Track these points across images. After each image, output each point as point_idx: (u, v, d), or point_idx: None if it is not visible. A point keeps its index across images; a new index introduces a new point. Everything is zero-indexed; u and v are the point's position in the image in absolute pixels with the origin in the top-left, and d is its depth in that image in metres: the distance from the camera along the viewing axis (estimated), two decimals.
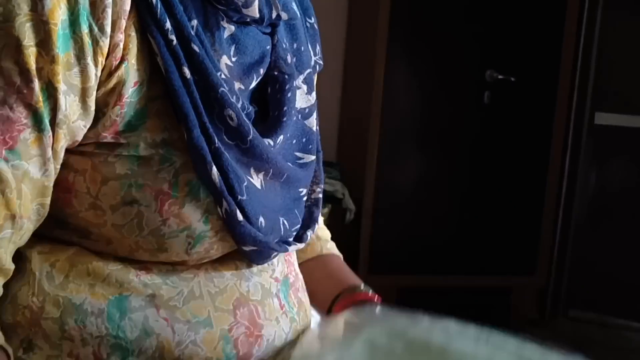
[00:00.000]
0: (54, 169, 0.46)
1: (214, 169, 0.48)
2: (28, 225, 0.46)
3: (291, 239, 0.59)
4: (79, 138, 0.47)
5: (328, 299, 0.68)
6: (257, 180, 0.54)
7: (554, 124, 2.40)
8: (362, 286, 0.69)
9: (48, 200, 0.47)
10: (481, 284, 2.44)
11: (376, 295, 0.67)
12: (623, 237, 2.59)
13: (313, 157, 0.61)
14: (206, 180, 0.49)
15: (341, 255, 0.77)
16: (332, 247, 0.77)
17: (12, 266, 0.47)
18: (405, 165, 2.36)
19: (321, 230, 0.79)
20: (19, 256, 0.50)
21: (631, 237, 2.58)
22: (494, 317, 2.50)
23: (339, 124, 2.56)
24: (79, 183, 0.48)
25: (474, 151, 2.38)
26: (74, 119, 0.46)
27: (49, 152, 0.45)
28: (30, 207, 0.46)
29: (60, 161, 0.47)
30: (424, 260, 2.39)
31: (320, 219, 0.81)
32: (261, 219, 0.53)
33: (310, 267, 0.71)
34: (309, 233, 0.62)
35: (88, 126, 0.47)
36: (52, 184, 0.47)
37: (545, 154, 2.42)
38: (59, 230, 0.51)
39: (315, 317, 0.69)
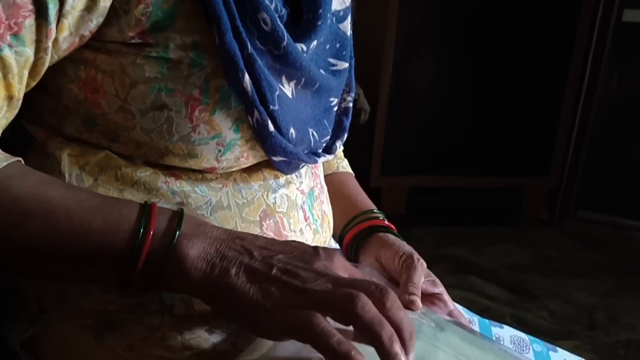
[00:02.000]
0: (49, 58, 0.45)
1: (246, 76, 0.47)
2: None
3: (320, 150, 0.58)
4: (86, 33, 0.45)
5: (340, 224, 0.69)
6: (288, 89, 0.52)
7: (579, 21, 2.30)
8: (375, 210, 0.69)
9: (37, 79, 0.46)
10: (493, 184, 2.46)
11: (385, 221, 0.67)
12: (638, 142, 2.57)
13: (346, 64, 0.58)
14: (238, 88, 0.48)
15: (353, 173, 0.78)
16: (346, 166, 0.78)
17: None
18: (421, 65, 2.30)
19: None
20: (52, 158, 0.50)
21: None
22: (504, 216, 2.56)
23: (354, 21, 2.48)
24: (108, 85, 0.47)
25: (492, 51, 2.31)
26: (80, 8, 0.44)
27: (49, 42, 0.44)
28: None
29: (62, 52, 0.46)
30: (438, 160, 2.40)
31: (345, 137, 0.80)
32: (292, 130, 0.52)
33: (325, 184, 0.71)
34: (338, 144, 0.61)
35: (99, 23, 0.45)
36: (44, 69, 0.45)
37: (568, 53, 2.34)
38: (87, 133, 0.50)
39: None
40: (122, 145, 0.50)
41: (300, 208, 0.58)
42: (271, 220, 0.54)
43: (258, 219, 0.53)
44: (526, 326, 1.79)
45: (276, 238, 0.49)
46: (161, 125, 0.48)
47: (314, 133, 0.56)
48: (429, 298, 0.60)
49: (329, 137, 0.59)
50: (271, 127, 0.49)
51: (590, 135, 2.59)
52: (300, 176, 0.59)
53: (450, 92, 2.34)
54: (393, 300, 0.40)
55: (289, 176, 0.57)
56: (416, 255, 0.59)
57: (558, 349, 0.66)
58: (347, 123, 0.62)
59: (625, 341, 1.76)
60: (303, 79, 0.52)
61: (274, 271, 0.41)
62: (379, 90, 2.27)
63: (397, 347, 0.38)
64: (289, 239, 0.55)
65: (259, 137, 0.50)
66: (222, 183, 0.53)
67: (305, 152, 0.55)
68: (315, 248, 0.44)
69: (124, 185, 0.50)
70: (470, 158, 2.42)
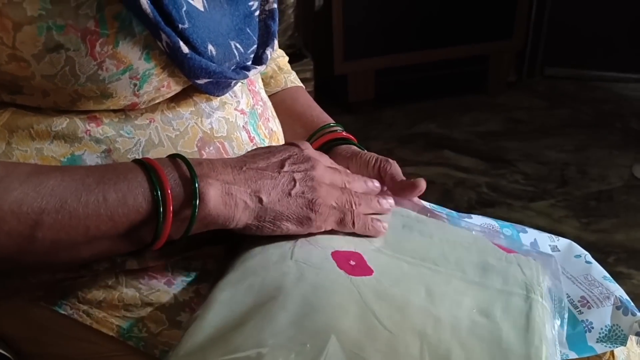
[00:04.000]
0: None
1: None
2: None
3: (249, 63, 0.54)
4: None
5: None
6: (198, 1, 0.47)
7: None
8: (332, 124, 0.66)
9: None
10: (458, 54, 2.42)
11: (344, 132, 0.65)
12: None
13: None
14: (137, 11, 0.43)
15: (304, 86, 0.74)
16: (295, 79, 0.73)
17: None
18: None
19: (282, 60, 0.74)
20: None
21: None
22: (473, 85, 2.55)
23: None
24: None
25: None
26: None
27: None
28: None
29: None
30: (400, 38, 2.33)
31: (275, 44, 0.75)
32: (210, 47, 0.47)
33: (276, 103, 0.68)
34: (269, 52, 0.56)
35: None
36: None
37: None
38: None
39: None
40: (28, 97, 0.45)
41: (243, 129, 0.54)
42: (211, 147, 0.51)
43: (196, 148, 0.50)
44: (501, 192, 1.85)
45: None
46: (62, 68, 0.43)
47: (238, 45, 0.51)
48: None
49: (255, 46, 0.54)
50: (185, 49, 0.45)
51: None
52: (236, 95, 0.55)
53: None
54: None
55: (223, 97, 0.53)
56: (389, 159, 0.58)
57: (527, 229, 0.67)
58: (275, 27, 0.57)
59: (596, 192, 1.84)
60: None
61: (295, 182, 0.47)
62: None
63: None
64: None
65: (175, 61, 0.46)
66: (149, 118, 0.49)
67: (232, 68, 0.51)
68: (295, 149, 0.50)
69: (41, 143, 0.46)
70: (433, 31, 2.36)
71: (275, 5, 0.58)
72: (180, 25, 0.44)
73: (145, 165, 0.43)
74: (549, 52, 2.65)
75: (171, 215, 0.42)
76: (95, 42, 0.42)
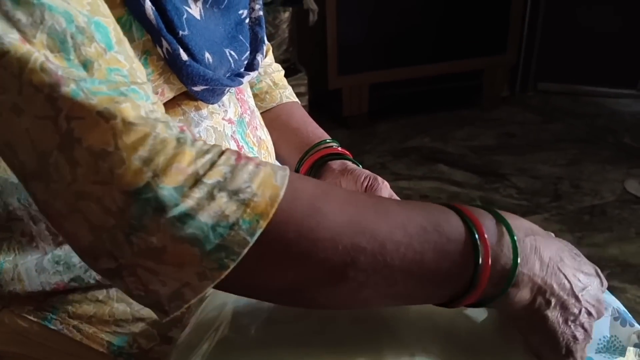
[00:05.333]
0: None
1: (147, 2, 0.42)
2: None
3: (242, 70, 0.55)
4: None
5: (294, 158, 0.66)
6: (195, 10, 0.48)
7: None
8: (328, 140, 0.66)
9: None
10: (452, 69, 2.43)
11: (339, 148, 0.65)
12: (593, 6, 2.53)
13: None
14: (140, 16, 0.43)
15: (299, 101, 0.74)
16: (291, 94, 0.74)
17: None
18: None
19: (277, 75, 0.74)
20: None
21: (601, 5, 2.53)
22: (466, 99, 2.56)
23: None
24: None
25: None
26: None
27: None
28: None
29: None
30: (394, 53, 2.35)
31: (270, 57, 0.75)
32: (207, 55, 0.48)
33: (271, 118, 0.68)
34: (259, 57, 0.57)
35: None
36: None
37: None
38: None
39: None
40: None
41: (232, 138, 0.54)
42: None
43: None
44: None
45: None
46: None
47: (232, 52, 0.52)
48: None
49: (248, 52, 0.55)
50: (184, 56, 0.45)
51: (544, 7, 2.54)
52: (224, 104, 0.55)
53: None
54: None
55: (211, 106, 0.53)
56: (379, 178, 0.58)
57: None
58: (263, 33, 0.58)
59: (589, 207, 1.84)
60: None
61: (581, 314, 0.40)
62: None
63: None
64: None
65: (173, 68, 0.46)
66: None
67: (227, 75, 0.52)
68: (600, 278, 0.42)
69: None
70: (427, 46, 2.37)
71: (261, 13, 0.59)
72: (180, 32, 0.45)
73: (473, 235, 0.37)
74: (541, 68, 2.68)
75: (487, 277, 0.37)
76: None
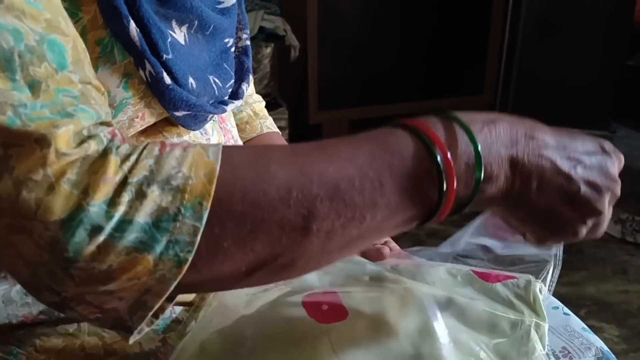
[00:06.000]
0: None
1: (132, 23, 0.41)
2: None
3: (227, 98, 0.54)
4: None
5: None
6: (180, 34, 0.47)
7: None
8: None
9: None
10: (430, 108, 2.47)
11: None
12: (568, 50, 2.61)
13: (234, 0, 0.54)
14: (123, 38, 0.42)
15: (279, 132, 0.74)
16: (271, 125, 0.73)
17: None
18: None
19: (258, 105, 0.74)
20: None
21: (576, 48, 2.61)
22: None
23: None
24: None
25: None
26: None
27: None
28: None
29: None
30: (374, 90, 2.38)
31: (252, 88, 0.75)
32: (191, 80, 0.47)
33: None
34: (244, 87, 0.57)
35: None
36: None
37: None
38: None
39: None
40: None
41: None
42: None
43: None
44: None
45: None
46: None
47: (216, 80, 0.51)
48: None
49: (232, 81, 0.55)
50: (167, 80, 0.44)
51: (520, 48, 2.61)
52: (207, 133, 0.54)
53: (379, 18, 2.29)
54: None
55: (192, 134, 0.52)
56: None
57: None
58: (249, 63, 0.58)
59: (566, 245, 1.85)
60: (196, 22, 0.48)
61: (581, 192, 0.38)
62: (307, 23, 2.19)
63: None
64: None
65: (155, 92, 0.44)
66: None
67: (211, 102, 0.51)
68: (606, 151, 0.40)
69: None
70: (406, 84, 2.41)
71: (248, 42, 0.58)
72: (164, 56, 0.44)
73: (426, 144, 0.35)
74: (518, 108, 2.73)
75: (454, 190, 0.34)
76: None
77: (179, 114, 0.47)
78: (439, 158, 0.34)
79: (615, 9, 2.56)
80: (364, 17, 2.27)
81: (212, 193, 0.31)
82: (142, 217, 0.30)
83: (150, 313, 0.32)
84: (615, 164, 0.40)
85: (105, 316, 0.32)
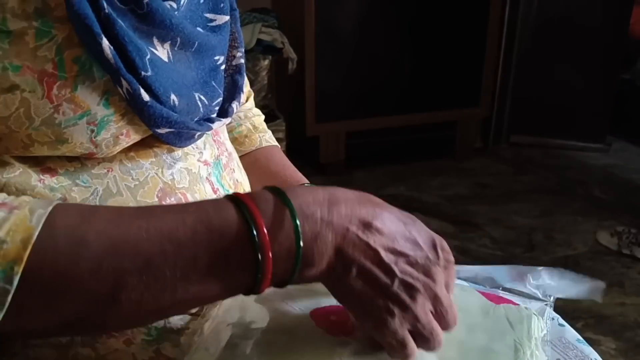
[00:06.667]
0: None
1: (105, 41, 0.41)
2: None
3: (214, 115, 0.54)
4: None
5: None
6: (162, 51, 0.46)
7: None
8: (306, 184, 0.65)
9: None
10: (427, 120, 2.48)
11: None
12: (563, 63, 2.63)
13: (227, 18, 0.54)
14: (97, 56, 0.41)
15: (279, 145, 0.74)
16: (270, 138, 0.73)
17: None
18: (345, 7, 2.25)
19: (257, 119, 0.74)
20: None
21: (571, 62, 2.63)
22: (440, 150, 2.60)
23: None
24: None
25: None
26: None
27: None
28: None
29: None
30: (370, 103, 2.39)
31: (251, 102, 0.75)
32: (173, 97, 0.46)
33: (250, 162, 0.67)
34: (235, 105, 0.56)
35: None
36: None
37: None
38: None
39: None
40: None
41: (207, 180, 0.53)
42: (172, 199, 0.49)
43: (156, 199, 0.48)
44: (470, 256, 1.86)
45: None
46: (17, 110, 0.41)
47: (202, 97, 0.50)
48: None
49: (220, 99, 0.54)
50: (146, 96, 0.44)
51: (516, 60, 2.63)
52: (198, 147, 0.54)
53: (376, 31, 2.31)
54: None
55: (185, 148, 0.52)
56: None
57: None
58: (242, 81, 0.57)
59: (562, 258, 1.86)
60: (178, 39, 0.47)
61: (394, 285, 0.40)
62: (304, 36, 2.20)
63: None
64: None
65: (134, 109, 0.44)
66: (107, 168, 0.47)
67: (196, 119, 0.50)
68: (436, 251, 0.42)
69: None
70: (403, 96, 2.42)
71: (243, 61, 0.58)
72: (142, 73, 0.44)
73: (249, 227, 0.37)
74: (513, 120, 2.75)
75: (270, 270, 0.37)
76: (53, 85, 0.41)
77: (161, 131, 0.47)
78: (257, 243, 0.36)
79: (610, 24, 2.59)
80: (361, 30, 2.29)
81: (25, 259, 0.33)
82: None
83: None
84: (440, 262, 0.42)
85: None
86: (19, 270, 0.33)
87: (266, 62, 2.14)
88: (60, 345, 0.45)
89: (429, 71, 2.42)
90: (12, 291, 0.33)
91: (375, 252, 0.39)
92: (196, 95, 0.50)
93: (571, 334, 0.56)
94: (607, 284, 1.84)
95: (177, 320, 0.49)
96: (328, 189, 0.40)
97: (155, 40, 0.46)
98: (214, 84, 0.53)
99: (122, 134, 0.46)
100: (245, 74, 0.58)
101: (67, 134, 0.43)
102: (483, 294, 0.52)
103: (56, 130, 0.43)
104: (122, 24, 0.43)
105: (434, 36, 2.37)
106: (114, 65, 0.42)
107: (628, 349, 1.47)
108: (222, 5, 0.53)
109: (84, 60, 0.42)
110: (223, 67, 0.55)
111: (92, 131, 0.44)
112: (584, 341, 0.53)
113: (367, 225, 0.39)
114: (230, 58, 0.57)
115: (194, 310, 0.49)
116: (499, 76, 2.62)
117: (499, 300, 0.51)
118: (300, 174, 0.68)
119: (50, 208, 0.35)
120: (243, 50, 0.58)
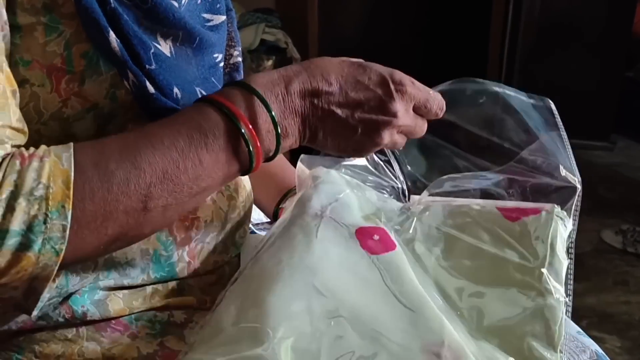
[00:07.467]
0: None
1: (112, 34, 0.42)
2: None
3: None
4: None
5: (271, 203, 0.66)
6: (165, 47, 0.48)
7: None
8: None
9: None
10: None
11: None
12: (567, 62, 2.63)
13: (223, 18, 0.55)
14: (105, 49, 0.43)
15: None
16: None
17: None
18: (348, 7, 2.25)
19: None
20: None
21: (575, 60, 2.62)
22: None
23: None
24: None
25: None
26: None
27: None
28: None
29: None
30: None
31: None
32: (176, 90, 0.47)
33: None
34: None
35: None
36: None
37: None
38: None
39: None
40: None
41: None
42: None
43: None
44: None
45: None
46: (27, 105, 0.43)
47: (202, 92, 0.51)
48: None
49: None
50: (151, 89, 0.45)
51: (519, 61, 2.63)
52: None
53: (379, 30, 2.31)
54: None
55: None
56: None
57: None
58: (240, 79, 0.58)
59: None
60: (180, 35, 0.48)
61: (358, 134, 0.48)
62: (308, 36, 2.21)
63: None
64: (199, 209, 0.52)
65: (139, 101, 0.45)
66: None
67: None
68: (387, 86, 0.49)
69: None
70: None
71: (240, 59, 0.59)
72: (147, 66, 0.45)
73: (233, 121, 0.44)
74: None
75: (260, 153, 0.45)
76: (62, 79, 0.43)
77: None
78: (243, 131, 0.43)
79: (614, 22, 2.58)
80: (364, 30, 2.29)
81: (72, 196, 0.38)
82: (17, 225, 0.37)
83: (41, 296, 0.40)
84: (398, 96, 0.49)
85: (5, 304, 0.40)
86: (69, 206, 0.38)
87: (270, 62, 2.15)
88: (66, 339, 0.46)
89: (432, 70, 2.42)
90: (69, 225, 0.38)
91: (331, 112, 0.47)
92: (197, 89, 0.51)
93: (571, 325, 0.56)
94: (612, 283, 1.85)
95: (180, 315, 0.49)
96: (280, 70, 0.47)
97: (158, 36, 0.47)
98: (213, 80, 0.54)
99: (127, 128, 0.47)
100: (242, 72, 0.59)
101: (74, 128, 0.44)
102: (501, 210, 0.53)
103: (64, 124, 0.44)
104: (127, 18, 0.44)
105: (437, 36, 2.37)
106: (120, 57, 0.43)
107: (634, 347, 1.47)
108: (218, 5, 0.55)
109: (91, 55, 0.43)
110: (222, 64, 0.56)
111: (99, 125, 0.45)
112: (584, 333, 0.53)
113: (318, 93, 0.46)
114: (228, 57, 0.58)
115: (196, 305, 0.50)
116: (502, 76, 2.62)
117: (519, 213, 0.52)
118: None
119: (71, 150, 0.40)
120: (240, 49, 0.60)
